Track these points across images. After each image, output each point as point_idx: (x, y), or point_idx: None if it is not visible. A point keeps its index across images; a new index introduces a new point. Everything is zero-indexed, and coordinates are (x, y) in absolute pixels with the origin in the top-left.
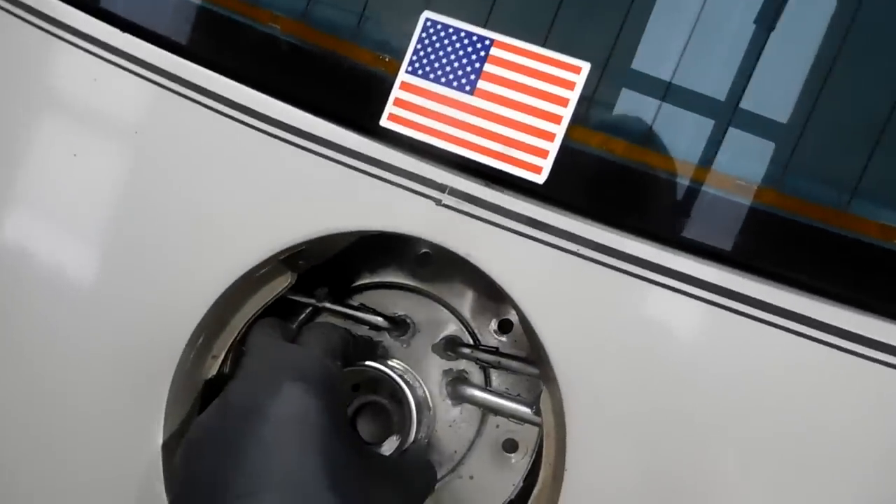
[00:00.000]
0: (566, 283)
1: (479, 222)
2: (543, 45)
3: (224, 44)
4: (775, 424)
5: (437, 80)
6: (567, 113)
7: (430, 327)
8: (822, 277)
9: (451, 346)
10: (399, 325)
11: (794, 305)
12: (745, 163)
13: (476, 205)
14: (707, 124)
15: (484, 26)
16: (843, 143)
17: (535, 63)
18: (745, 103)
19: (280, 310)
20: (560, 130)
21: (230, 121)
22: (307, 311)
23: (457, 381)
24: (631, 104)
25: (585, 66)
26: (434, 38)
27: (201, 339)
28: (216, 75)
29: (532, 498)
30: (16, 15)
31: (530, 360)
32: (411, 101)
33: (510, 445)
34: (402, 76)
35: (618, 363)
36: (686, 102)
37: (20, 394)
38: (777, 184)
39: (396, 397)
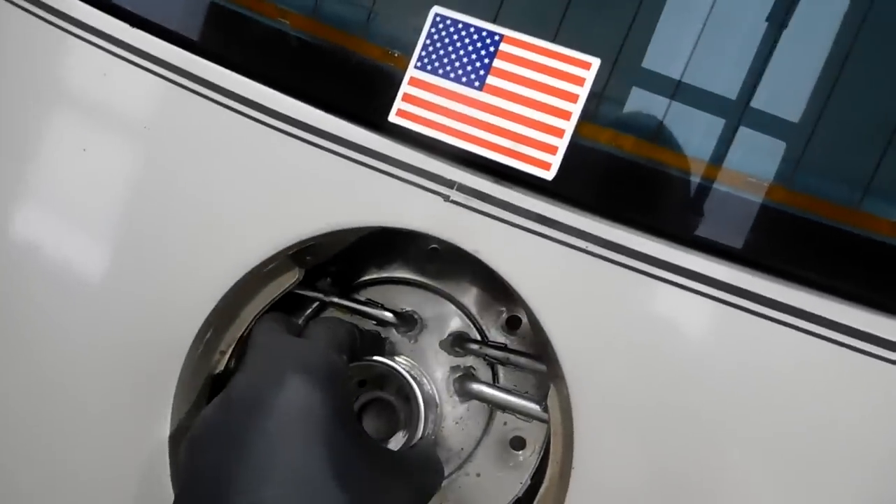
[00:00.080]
0: (575, 281)
1: (487, 219)
2: (553, 40)
3: (233, 39)
4: (784, 423)
5: (446, 76)
6: (576, 109)
7: (437, 323)
8: (833, 276)
9: (458, 343)
10: (406, 321)
11: (804, 304)
12: (755, 160)
13: (485, 201)
14: (718, 121)
15: (493, 21)
16: (855, 141)
17: (545, 59)
18: (757, 101)
19: (287, 304)
20: (569, 126)
21: (239, 116)
22: (314, 305)
23: (464, 378)
24: (641, 101)
25: (595, 62)
26: (443, 33)
27: (209, 334)
28: (225, 71)
29: (539, 495)
30: (26, 10)
31: (539, 357)
32: (420, 97)
33: (518, 443)
34: (411, 71)
35: (626, 361)
36: (696, 99)
37: (28, 386)
38: (788, 181)
39: (403, 393)
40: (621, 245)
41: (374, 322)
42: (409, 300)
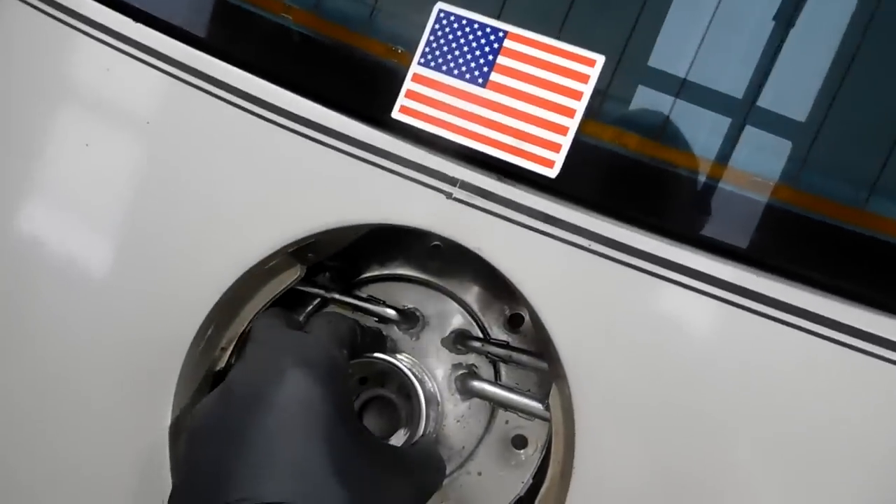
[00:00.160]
0: (577, 279)
1: (490, 216)
2: (558, 37)
3: (236, 34)
4: (787, 424)
5: (449, 73)
6: (580, 106)
7: (439, 320)
8: (838, 276)
9: (460, 340)
10: (408, 318)
11: (808, 304)
12: (761, 159)
13: (487, 199)
14: (723, 120)
15: (498, 18)
16: (862, 141)
17: (549, 55)
18: (762, 100)
19: (288, 301)
20: (573, 124)
21: (241, 111)
22: (315, 302)
23: (466, 376)
24: (646, 98)
25: (600, 60)
26: (447, 29)
27: (210, 330)
28: (228, 66)
29: (540, 495)
30: (29, 3)
31: (541, 355)
32: (423, 94)
33: (519, 441)
34: (415, 68)
35: (628, 360)
36: (702, 98)
37: (30, 380)
38: (794, 181)
39: (405, 391)
40: (624, 244)
41: (376, 319)
42: (410, 297)
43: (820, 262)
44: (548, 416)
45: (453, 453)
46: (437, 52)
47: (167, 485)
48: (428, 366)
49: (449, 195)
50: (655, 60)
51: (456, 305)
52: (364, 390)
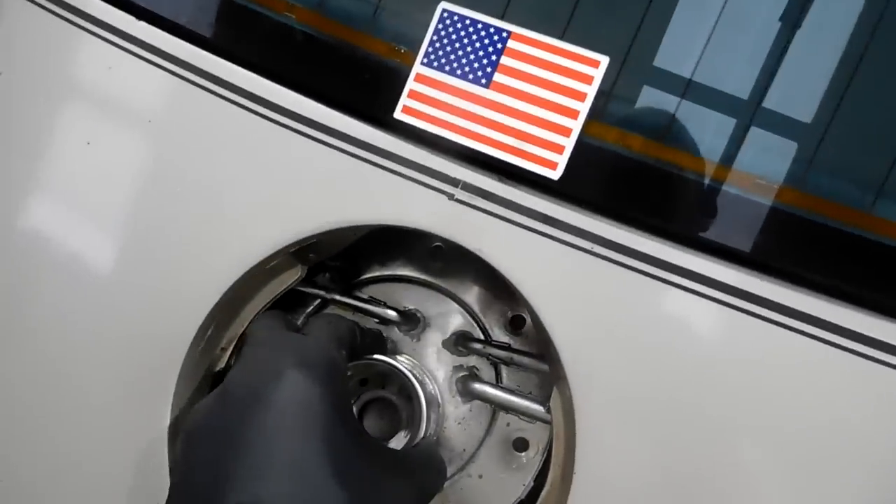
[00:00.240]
0: (579, 282)
1: (492, 218)
2: (561, 37)
3: (238, 33)
4: (789, 430)
5: (452, 73)
6: (584, 108)
7: (440, 322)
8: (843, 280)
9: (461, 342)
10: (409, 319)
11: (812, 308)
12: (765, 161)
13: (489, 200)
14: (727, 122)
15: (501, 18)
16: (868, 143)
17: (553, 56)
18: (768, 102)
19: (289, 302)
20: (576, 125)
21: (242, 110)
22: (316, 302)
23: (467, 378)
24: (650, 100)
25: (604, 60)
26: (450, 29)
27: (210, 330)
28: (230, 65)
29: (541, 498)
30: (33, 1)
31: (542, 357)
32: (426, 94)
33: (521, 444)
34: (418, 68)
35: (629, 363)
36: (706, 99)
37: (29, 379)
38: (798, 183)
39: (405, 393)
40: (627, 246)
41: (377, 320)
42: (411, 298)
43: (826, 267)
44: (549, 418)
45: (454, 455)
46: (441, 52)
47: (165, 483)
48: (429, 367)
49: (451, 196)
50: (660, 62)
51: (457, 307)
52: (364, 392)
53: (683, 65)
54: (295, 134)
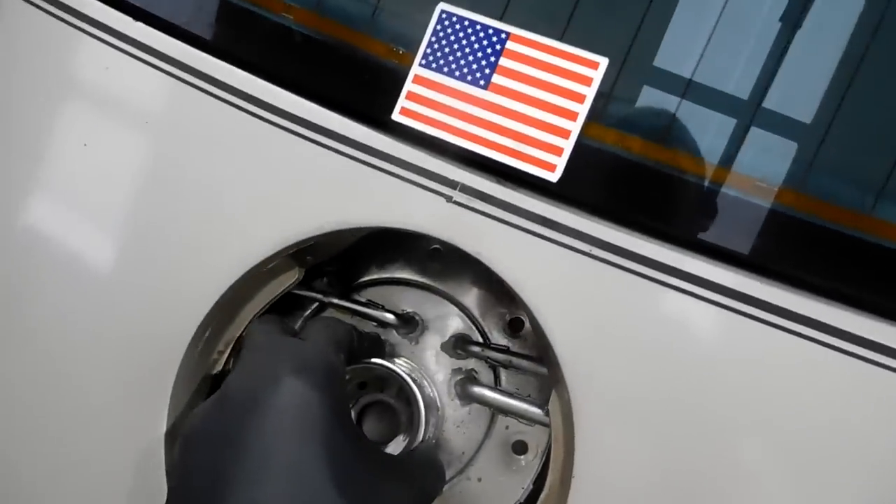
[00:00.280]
0: (577, 285)
1: (490, 220)
2: (560, 39)
3: (235, 33)
4: (788, 434)
5: (450, 74)
6: (583, 109)
7: (438, 325)
8: (843, 283)
9: (460, 345)
10: (407, 322)
11: (812, 311)
12: (765, 163)
13: (488, 202)
14: (726, 124)
15: (500, 19)
16: (869, 145)
17: (552, 58)
18: (767, 103)
19: (286, 305)
20: (575, 127)
21: (239, 111)
22: (313, 306)
23: (466, 381)
24: (649, 102)
25: (603, 62)
26: (449, 30)
27: (208, 332)
28: (227, 66)
29: (539, 502)
30: (30, 1)
31: (541, 360)
32: (424, 95)
33: (520, 447)
34: (416, 69)
35: (628, 366)
36: (706, 101)
37: (24, 384)
38: (798, 185)
39: (404, 396)
40: (626, 249)
41: (375, 323)
42: (410, 301)
43: (826, 270)
44: (547, 421)
45: (453, 458)
46: (439, 54)
47: (161, 485)
48: (427, 370)
49: (449, 198)
50: (659, 63)
51: (455, 309)
52: (363, 395)
53: (682, 67)
54: (292, 135)
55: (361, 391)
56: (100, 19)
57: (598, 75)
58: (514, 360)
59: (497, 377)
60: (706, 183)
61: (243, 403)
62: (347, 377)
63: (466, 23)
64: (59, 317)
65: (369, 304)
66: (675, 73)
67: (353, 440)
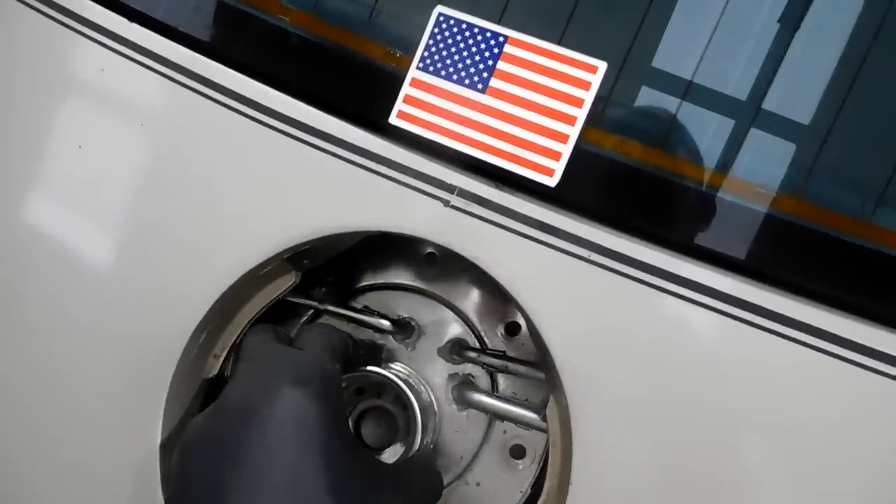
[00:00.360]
0: (575, 290)
1: (487, 225)
2: (559, 42)
3: (232, 35)
4: (786, 440)
5: (448, 78)
6: (582, 114)
7: (435, 330)
8: (842, 290)
9: (457, 350)
10: (404, 328)
11: (811, 318)
12: (765, 168)
13: (485, 207)
14: (725, 130)
15: (498, 22)
16: (869, 149)
17: (550, 61)
18: (767, 105)
19: (281, 312)
20: (574, 132)
21: (236, 114)
22: (309, 313)
23: (463, 386)
24: (648, 106)
25: (602, 66)
26: (447, 33)
27: (203, 336)
28: (224, 68)
29: None
30: (25, 3)
31: (539, 365)
32: (422, 99)
33: (518, 451)
34: (413, 72)
35: (626, 372)
36: (704, 105)
37: (21, 379)
38: (798, 191)
39: (401, 401)
40: (624, 254)
41: (371, 329)
42: (406, 306)
43: (825, 276)
44: (545, 426)
45: (451, 463)
46: (437, 57)
47: (157, 494)
48: (425, 375)
49: (446, 203)
50: (658, 66)
51: (452, 314)
52: (361, 400)
53: (681, 71)
54: (288, 138)
55: (359, 397)
56: (96, 21)
57: (596, 79)
58: (511, 365)
59: (494, 382)
60: (705, 189)
61: (242, 413)
62: (344, 384)
63: (464, 26)
64: (55, 318)
65: (365, 310)
66: (674, 78)
67: (350, 450)
